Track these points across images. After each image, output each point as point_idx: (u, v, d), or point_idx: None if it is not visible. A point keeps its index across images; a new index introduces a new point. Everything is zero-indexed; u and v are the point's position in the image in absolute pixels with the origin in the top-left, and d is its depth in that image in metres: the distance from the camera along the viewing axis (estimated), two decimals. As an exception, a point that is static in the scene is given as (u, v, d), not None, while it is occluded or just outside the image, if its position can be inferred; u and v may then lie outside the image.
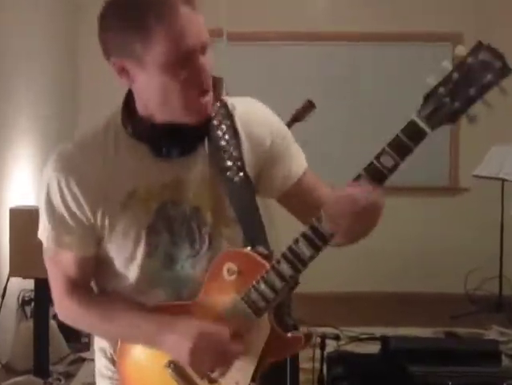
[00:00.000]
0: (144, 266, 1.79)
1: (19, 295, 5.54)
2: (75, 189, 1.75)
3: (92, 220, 1.76)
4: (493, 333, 6.21)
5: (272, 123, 1.86)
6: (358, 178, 1.62)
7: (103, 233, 1.78)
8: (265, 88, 7.35)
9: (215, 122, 1.78)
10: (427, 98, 1.66)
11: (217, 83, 1.79)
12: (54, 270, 1.89)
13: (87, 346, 5.59)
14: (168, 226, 1.77)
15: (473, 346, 4.27)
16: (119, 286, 1.84)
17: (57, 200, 1.78)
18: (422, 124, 1.62)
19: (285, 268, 1.66)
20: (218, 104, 1.81)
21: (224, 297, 1.72)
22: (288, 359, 3.74)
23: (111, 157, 1.76)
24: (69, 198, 1.76)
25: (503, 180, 6.88)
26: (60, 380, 4.93)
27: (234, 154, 1.76)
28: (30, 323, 5.09)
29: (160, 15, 1.60)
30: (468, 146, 7.65)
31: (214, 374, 1.73)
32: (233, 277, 1.71)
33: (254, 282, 1.69)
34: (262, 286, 1.68)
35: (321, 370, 3.99)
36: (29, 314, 5.54)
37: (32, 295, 5.25)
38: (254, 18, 7.46)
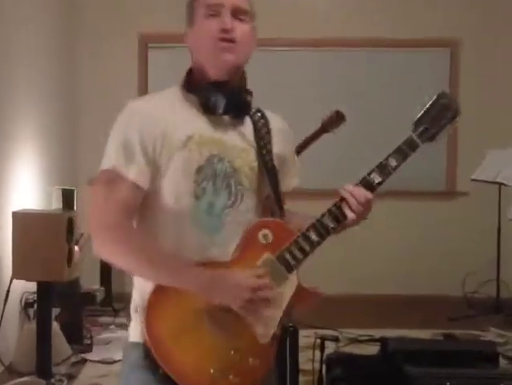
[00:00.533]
0: (190, 206, 2.03)
1: (22, 297, 5.54)
2: (145, 127, 2.03)
3: (153, 155, 2.01)
4: (490, 335, 6.21)
5: (290, 135, 2.30)
6: (369, 175, 2.10)
7: (160, 169, 2.02)
8: (266, 92, 7.38)
9: (256, 117, 2.16)
10: (417, 122, 2.14)
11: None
12: (110, 198, 2.01)
13: (90, 348, 5.60)
14: (212, 178, 2.04)
15: (471, 347, 4.26)
16: (163, 223, 2.05)
17: (129, 135, 2.03)
18: (417, 140, 2.13)
19: (313, 235, 2.05)
20: (256, 109, 2.18)
21: (258, 257, 2.03)
22: (288, 361, 3.75)
23: (172, 107, 2.08)
24: (139, 134, 2.02)
25: (500, 185, 6.89)
26: (63, 381, 4.92)
27: (268, 146, 2.14)
28: (33, 325, 5.09)
29: None
30: (465, 150, 7.66)
31: (248, 317, 1.99)
32: (268, 241, 2.03)
33: (288, 245, 2.03)
34: (294, 249, 2.04)
35: (320, 371, 3.98)
36: (32, 315, 5.55)
37: (35, 297, 5.25)
38: (257, 24, 7.45)
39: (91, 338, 5.71)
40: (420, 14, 7.71)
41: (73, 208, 6.12)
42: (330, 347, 4.25)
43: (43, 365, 4.93)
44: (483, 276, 7.27)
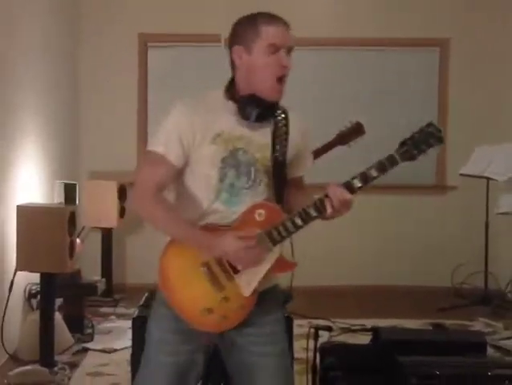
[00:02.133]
0: (215, 186, 2.53)
1: (26, 288, 5.54)
2: (192, 119, 2.49)
3: (187, 146, 2.50)
4: (478, 325, 6.22)
5: (307, 133, 2.71)
6: (352, 179, 2.47)
7: (193, 157, 2.52)
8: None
9: (279, 118, 2.59)
10: (402, 143, 2.48)
11: None
12: (149, 171, 2.54)
13: (91, 337, 5.60)
14: (236, 165, 2.52)
15: (460, 337, 4.26)
16: (194, 197, 2.56)
17: (178, 123, 2.51)
18: (397, 158, 2.47)
19: (298, 220, 2.46)
20: (282, 110, 2.62)
21: (251, 231, 2.46)
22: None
23: (213, 109, 2.53)
24: (186, 124, 2.50)
25: (488, 179, 6.89)
26: (65, 370, 4.92)
27: (284, 143, 2.58)
28: (37, 315, 5.09)
29: (267, 22, 2.52)
30: (455, 146, 7.65)
31: (238, 268, 2.48)
32: (261, 219, 2.48)
33: (276, 224, 2.46)
34: (280, 228, 2.47)
35: (314, 359, 3.98)
36: (35, 306, 5.55)
37: (38, 288, 5.25)
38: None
39: (93, 327, 5.71)
40: (410, 13, 7.69)
41: (75, 202, 6.12)
42: (323, 336, 4.25)
43: (46, 354, 4.94)
44: (472, 268, 7.27)
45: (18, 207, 4.95)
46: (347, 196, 2.43)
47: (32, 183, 5.83)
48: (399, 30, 7.67)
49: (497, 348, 5.37)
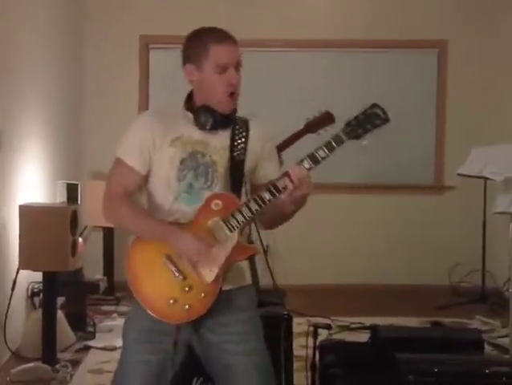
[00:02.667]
0: (175, 187, 2.65)
1: (28, 287, 5.54)
2: (152, 127, 2.66)
3: (152, 149, 2.65)
4: (476, 322, 6.22)
5: (268, 139, 2.81)
6: (301, 161, 2.50)
7: (154, 161, 2.66)
8: (260, 93, 7.37)
9: (238, 125, 2.73)
10: (347, 124, 2.52)
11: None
12: (116, 177, 2.70)
13: (93, 335, 5.60)
14: (195, 166, 2.65)
15: (458, 335, 4.26)
16: (157, 198, 2.69)
17: (135, 136, 2.68)
18: (343, 136, 2.51)
19: (253, 204, 2.54)
20: (242, 120, 2.75)
21: (209, 219, 2.59)
22: (282, 348, 3.76)
23: (173, 118, 2.71)
24: (146, 131, 2.66)
25: (486, 179, 6.88)
26: (67, 367, 4.93)
27: (242, 146, 2.70)
28: (39, 314, 5.09)
29: (215, 41, 2.61)
30: (453, 146, 7.67)
31: (196, 260, 2.54)
32: (218, 208, 2.58)
33: (232, 211, 2.56)
34: (237, 214, 2.56)
35: (313, 357, 3.99)
36: (37, 304, 5.55)
37: (40, 287, 5.26)
38: (252, 26, 7.46)
39: (94, 325, 5.71)
40: (408, 15, 7.70)
41: (77, 202, 6.12)
42: (322, 334, 4.25)
43: (48, 351, 4.95)
44: (469, 266, 7.28)
45: (21, 206, 4.95)
46: (303, 170, 2.47)
47: (35, 183, 5.84)
48: (397, 32, 7.67)
49: (495, 346, 5.37)
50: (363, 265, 7.65)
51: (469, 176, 6.92)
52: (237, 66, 2.66)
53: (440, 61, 7.79)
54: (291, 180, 2.48)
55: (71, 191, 6.27)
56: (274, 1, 7.74)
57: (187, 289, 2.56)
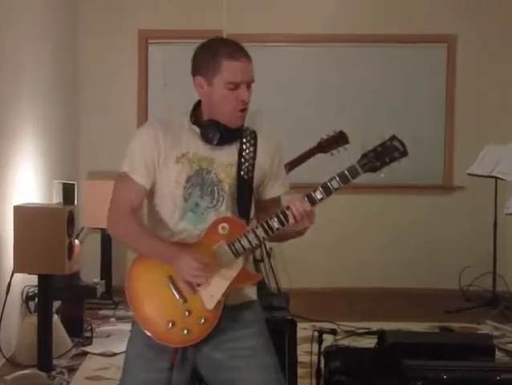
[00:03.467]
0: (181, 206, 2.65)
1: (23, 291, 5.54)
2: (157, 140, 2.64)
3: (157, 164, 2.64)
4: (487, 328, 6.21)
5: (276, 153, 2.79)
6: (314, 192, 2.51)
7: (159, 177, 2.66)
8: (264, 89, 7.37)
9: (245, 139, 2.72)
10: (363, 155, 2.52)
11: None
12: (122, 191, 2.69)
13: (90, 341, 5.60)
14: (200, 184, 2.65)
15: (468, 340, 4.26)
16: (162, 216, 2.69)
17: (145, 145, 2.66)
18: (359, 169, 2.52)
19: (261, 231, 2.54)
20: (250, 131, 2.74)
21: (215, 242, 2.57)
22: (286, 354, 3.76)
23: (178, 131, 2.68)
24: (150, 145, 2.64)
25: (497, 179, 6.89)
26: (63, 374, 4.93)
27: (250, 162, 2.70)
28: (34, 318, 5.09)
29: (228, 57, 2.59)
30: (462, 145, 7.67)
31: (197, 284, 2.54)
32: (225, 232, 2.56)
33: (239, 236, 2.55)
34: (243, 240, 2.54)
35: (318, 363, 3.99)
36: (33, 308, 5.55)
37: (36, 290, 5.25)
38: (252, 21, 7.47)
39: (92, 330, 5.71)
40: (418, 10, 7.70)
41: (73, 203, 6.13)
42: (327, 340, 4.25)
43: (44, 358, 4.94)
44: (479, 269, 7.27)
45: (16, 207, 4.95)
46: (308, 207, 2.50)
47: (30, 183, 5.84)
48: (406, 27, 7.67)
49: (506, 352, 5.36)
50: (370, 267, 7.65)
51: (480, 176, 6.94)
52: (249, 84, 2.65)
53: (449, 56, 7.79)
54: (294, 216, 2.50)
55: (68, 191, 6.27)
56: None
57: (187, 314, 2.56)
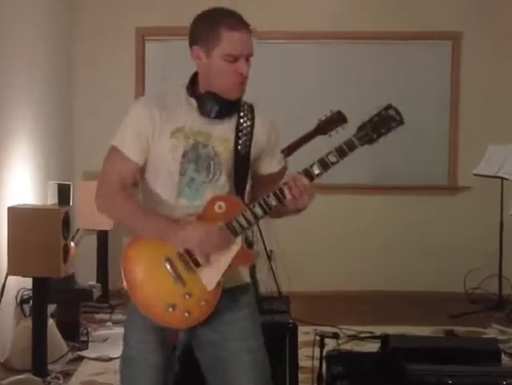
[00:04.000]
0: (177, 181, 2.65)
1: (17, 294, 5.54)
2: (151, 114, 2.62)
3: (151, 139, 2.63)
4: (492, 331, 6.21)
5: (273, 130, 2.80)
6: (311, 166, 2.54)
7: (153, 149, 2.64)
8: (264, 84, 7.37)
9: (243, 113, 2.71)
10: (360, 128, 2.56)
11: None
12: (112, 166, 2.68)
13: (86, 345, 5.60)
14: (196, 159, 2.64)
15: (473, 344, 4.26)
16: (159, 193, 2.68)
17: (138, 119, 2.64)
18: (356, 142, 2.54)
19: (258, 209, 2.56)
20: (248, 105, 2.74)
21: (212, 222, 2.57)
22: (287, 359, 3.75)
23: (174, 105, 2.66)
24: (144, 119, 2.62)
25: (503, 179, 6.88)
26: (59, 379, 4.93)
27: (247, 136, 2.70)
28: (29, 322, 5.08)
29: (228, 28, 2.58)
30: (467, 145, 7.67)
31: (200, 260, 2.56)
32: (221, 211, 2.58)
33: (236, 215, 2.57)
34: (241, 218, 2.57)
35: (320, 368, 3.99)
36: (27, 312, 5.55)
37: (30, 294, 5.25)
38: (252, 18, 7.45)
39: (88, 334, 5.71)
40: (422, 7, 7.71)
41: (69, 204, 6.12)
42: (329, 344, 4.25)
43: (39, 362, 4.94)
44: (485, 272, 7.27)
45: (10, 208, 4.95)
46: (305, 181, 2.52)
47: (24, 183, 5.84)
48: (411, 24, 7.69)
49: (513, 356, 5.37)
50: (373, 270, 7.65)
51: (485, 176, 6.94)
52: (248, 57, 2.64)
53: (454, 53, 7.80)
54: (291, 192, 2.53)
55: (63, 192, 6.27)
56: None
57: (187, 296, 2.58)
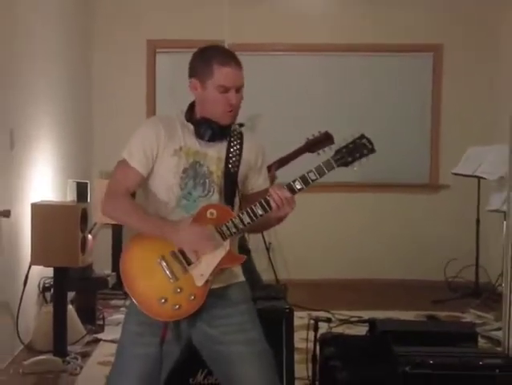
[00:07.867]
0: (177, 193, 2.74)
1: (40, 282, 5.54)
2: (157, 133, 2.74)
3: (155, 154, 2.73)
4: (470, 316, 6.22)
5: (260, 154, 2.89)
6: (293, 182, 2.62)
7: (156, 167, 2.74)
8: (264, 97, 7.36)
9: (233, 138, 2.81)
10: (337, 151, 2.64)
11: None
12: (120, 177, 2.77)
13: (102, 328, 5.61)
14: (194, 176, 2.74)
15: (452, 328, 4.26)
16: (159, 201, 2.76)
17: (146, 136, 2.76)
18: (333, 163, 2.62)
19: (246, 217, 2.64)
20: (237, 131, 2.84)
21: (204, 226, 2.64)
22: (284, 341, 3.75)
23: (175, 127, 2.78)
24: (151, 137, 2.74)
25: (479, 178, 6.88)
26: (77, 359, 4.92)
27: (237, 158, 2.80)
28: (50, 308, 5.09)
29: (220, 63, 2.69)
30: (447, 146, 7.67)
31: (192, 259, 2.63)
32: (212, 217, 2.66)
33: (226, 221, 2.65)
34: (230, 224, 2.65)
35: (314, 349, 3.99)
36: (49, 299, 5.55)
37: (51, 282, 5.25)
38: (254, 31, 7.47)
39: (104, 319, 5.72)
40: (404, 20, 7.69)
41: (86, 200, 6.12)
42: (323, 328, 4.24)
43: (59, 344, 4.94)
44: (463, 262, 7.26)
45: (33, 205, 4.95)
46: (287, 194, 2.59)
47: (46, 182, 5.83)
48: (393, 36, 7.67)
49: (488, 338, 5.36)
50: (361, 261, 7.65)
51: (464, 176, 6.94)
52: (238, 89, 2.74)
53: (435, 64, 7.79)
54: (275, 202, 2.60)
55: (81, 189, 6.26)
56: (277, 6, 7.72)
57: (178, 290, 2.65)
